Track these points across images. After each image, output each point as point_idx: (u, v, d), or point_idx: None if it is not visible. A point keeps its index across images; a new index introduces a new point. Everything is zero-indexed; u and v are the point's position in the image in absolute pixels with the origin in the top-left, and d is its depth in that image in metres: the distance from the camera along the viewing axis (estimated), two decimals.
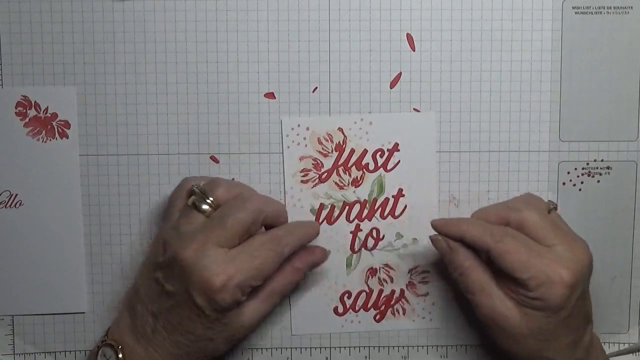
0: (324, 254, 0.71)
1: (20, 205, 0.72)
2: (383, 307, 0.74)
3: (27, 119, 0.71)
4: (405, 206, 0.73)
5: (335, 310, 0.74)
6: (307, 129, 0.72)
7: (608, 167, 0.73)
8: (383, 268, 0.73)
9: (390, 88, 0.72)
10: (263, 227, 0.68)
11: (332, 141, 0.72)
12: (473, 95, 0.72)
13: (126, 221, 0.73)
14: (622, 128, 0.72)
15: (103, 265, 0.73)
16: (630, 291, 0.74)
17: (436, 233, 0.68)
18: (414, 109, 0.72)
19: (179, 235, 0.65)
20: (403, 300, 0.74)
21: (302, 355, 0.74)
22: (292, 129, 0.72)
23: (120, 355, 0.66)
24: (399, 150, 0.72)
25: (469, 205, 0.73)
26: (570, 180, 0.73)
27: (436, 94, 0.72)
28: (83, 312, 0.74)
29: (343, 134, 0.72)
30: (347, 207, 0.73)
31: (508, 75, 0.72)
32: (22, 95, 0.71)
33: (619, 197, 0.73)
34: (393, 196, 0.73)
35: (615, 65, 0.72)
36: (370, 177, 0.73)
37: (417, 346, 0.75)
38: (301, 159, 0.72)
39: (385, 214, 0.73)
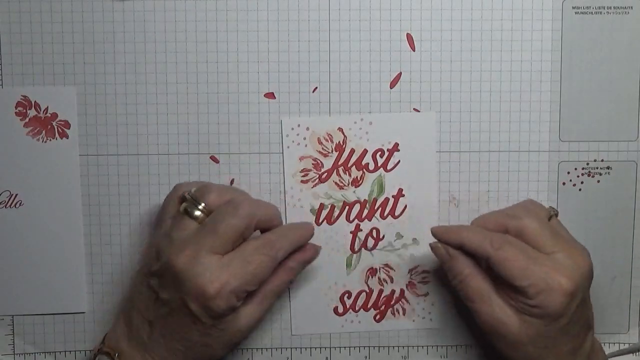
0: (316, 251, 0.70)
1: (20, 205, 0.72)
2: (383, 307, 0.74)
3: (27, 119, 0.71)
4: (405, 206, 0.73)
5: (335, 310, 0.74)
6: (307, 129, 0.72)
7: (608, 167, 0.73)
8: (383, 268, 0.73)
9: (390, 88, 0.72)
10: (259, 231, 0.67)
11: (332, 141, 0.72)
12: (473, 95, 0.72)
13: (126, 221, 0.73)
14: (622, 128, 0.72)
15: (103, 265, 0.73)
16: (630, 291, 0.74)
17: (436, 240, 0.68)
18: (414, 109, 0.72)
19: (171, 242, 0.65)
20: (403, 300, 0.74)
21: (302, 355, 0.74)
22: (292, 129, 0.72)
23: None
24: (399, 150, 0.72)
25: (469, 205, 0.73)
26: (570, 180, 0.73)
27: (436, 94, 0.72)
28: (83, 312, 0.74)
29: (343, 134, 0.72)
30: (347, 207, 0.73)
31: (508, 75, 0.72)
32: (22, 95, 0.71)
33: (619, 197, 0.73)
34: (393, 196, 0.73)
35: (615, 65, 0.72)
36: (370, 177, 0.73)
37: (417, 346, 0.75)
38: (301, 159, 0.72)
39: (385, 214, 0.73)
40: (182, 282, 0.63)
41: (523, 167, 0.72)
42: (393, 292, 0.74)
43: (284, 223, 0.72)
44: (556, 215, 0.70)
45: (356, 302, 0.74)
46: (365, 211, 0.73)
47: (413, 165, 0.72)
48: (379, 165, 0.72)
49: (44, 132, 0.71)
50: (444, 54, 0.72)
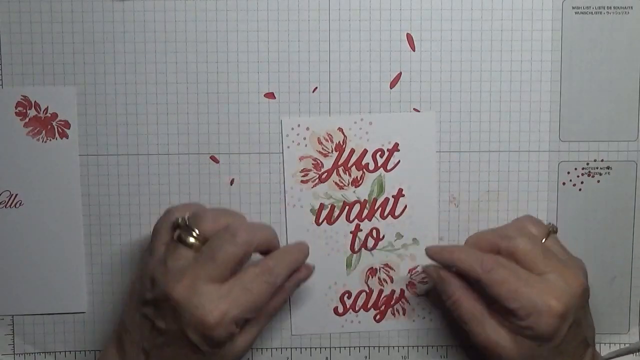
0: (310, 271, 0.70)
1: (20, 205, 0.72)
2: (383, 307, 0.74)
3: (27, 119, 0.71)
4: (405, 206, 0.73)
5: (335, 310, 0.74)
6: (307, 129, 0.72)
7: (608, 167, 0.73)
8: (383, 268, 0.73)
9: (390, 88, 0.72)
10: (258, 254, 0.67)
11: (332, 141, 0.72)
12: (473, 95, 0.72)
13: (126, 221, 0.73)
14: (622, 128, 0.72)
15: (103, 265, 0.73)
16: (630, 291, 0.74)
17: (432, 266, 0.69)
18: (414, 109, 0.72)
19: (167, 271, 0.63)
20: (403, 300, 0.74)
21: (302, 355, 0.74)
22: (292, 129, 0.72)
23: None
24: (399, 150, 0.72)
25: (469, 205, 0.73)
26: (570, 180, 0.73)
27: (436, 94, 0.72)
28: (83, 312, 0.74)
29: (343, 134, 0.72)
30: (347, 207, 0.73)
31: (508, 75, 0.72)
32: (22, 95, 0.71)
33: (619, 197, 0.73)
34: (393, 196, 0.73)
35: (615, 65, 0.72)
36: (370, 177, 0.73)
37: (417, 346, 0.75)
38: (301, 159, 0.72)
39: (385, 214, 0.73)
40: (180, 313, 0.62)
41: (523, 167, 0.72)
42: (393, 292, 0.74)
43: (285, 224, 0.72)
44: (555, 232, 0.69)
45: (356, 302, 0.74)
46: (365, 211, 0.73)
47: (413, 165, 0.72)
48: (379, 165, 0.72)
49: (44, 132, 0.71)
50: (444, 54, 0.72)
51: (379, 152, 0.72)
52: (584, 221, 0.73)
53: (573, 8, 0.71)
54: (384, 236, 0.73)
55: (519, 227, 0.69)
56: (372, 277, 0.74)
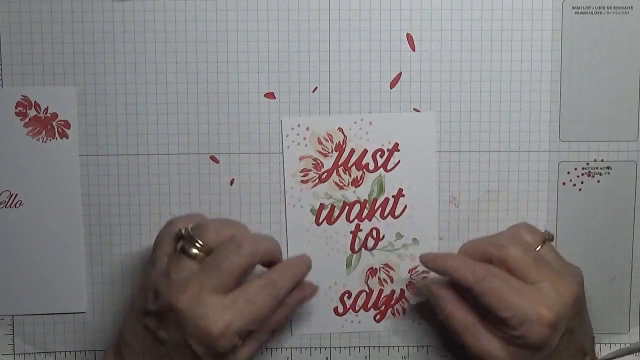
0: (314, 290, 0.70)
1: (20, 205, 0.72)
2: (383, 307, 0.74)
3: (27, 119, 0.71)
4: (405, 206, 0.73)
5: (335, 310, 0.74)
6: (307, 129, 0.72)
7: (608, 167, 0.73)
8: (383, 268, 0.73)
9: (390, 88, 0.72)
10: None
11: (332, 141, 0.72)
12: (473, 95, 0.72)
13: (126, 221, 0.73)
14: (622, 128, 0.72)
15: (103, 265, 0.73)
16: (631, 291, 0.74)
17: (423, 280, 0.70)
18: (414, 109, 0.72)
19: (170, 282, 0.63)
20: (403, 300, 0.74)
21: (302, 355, 0.74)
22: (292, 129, 0.72)
23: None
24: (399, 150, 0.72)
25: (469, 205, 0.73)
26: (570, 180, 0.73)
27: (436, 94, 0.72)
28: (83, 312, 0.74)
29: (343, 134, 0.72)
30: (347, 207, 0.73)
31: (508, 75, 0.72)
32: (22, 95, 0.71)
33: (619, 197, 0.73)
34: (393, 196, 0.73)
35: (615, 65, 0.72)
36: (370, 177, 0.73)
37: (417, 346, 0.75)
38: (301, 159, 0.72)
39: (385, 214, 0.73)
40: (185, 323, 0.62)
41: (523, 167, 0.72)
42: (393, 292, 0.74)
43: (285, 224, 0.73)
44: (551, 239, 0.69)
45: (356, 302, 0.74)
46: (365, 211, 0.73)
47: (413, 165, 0.72)
48: (379, 165, 0.72)
49: (44, 132, 0.71)
50: (444, 54, 0.72)
51: (379, 152, 0.72)
52: (584, 221, 0.73)
53: (573, 8, 0.71)
54: (384, 236, 0.73)
55: (513, 235, 0.69)
56: (372, 277, 0.74)
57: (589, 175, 0.73)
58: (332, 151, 0.72)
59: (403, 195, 0.73)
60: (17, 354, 0.74)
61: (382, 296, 0.74)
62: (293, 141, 0.72)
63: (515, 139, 0.72)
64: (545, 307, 0.63)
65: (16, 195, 0.72)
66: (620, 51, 0.72)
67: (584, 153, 0.73)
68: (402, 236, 0.73)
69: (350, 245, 0.73)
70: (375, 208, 0.73)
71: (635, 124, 0.72)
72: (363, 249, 0.73)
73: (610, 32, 0.71)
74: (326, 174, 0.72)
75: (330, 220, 0.73)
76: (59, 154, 0.72)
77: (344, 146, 0.72)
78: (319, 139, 0.72)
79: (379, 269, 0.73)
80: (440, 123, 0.72)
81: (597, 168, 0.73)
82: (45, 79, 0.71)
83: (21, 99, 0.71)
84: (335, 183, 0.72)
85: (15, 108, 0.71)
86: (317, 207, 0.73)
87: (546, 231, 0.70)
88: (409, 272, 0.74)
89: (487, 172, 0.73)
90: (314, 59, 0.71)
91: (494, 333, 0.65)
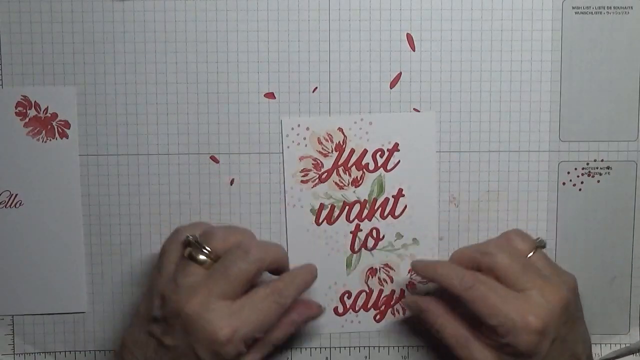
0: (320, 310, 0.71)
1: (20, 205, 0.72)
2: (383, 307, 0.74)
3: (27, 119, 0.71)
4: (405, 206, 0.73)
5: (335, 310, 0.74)
6: (307, 129, 0.72)
7: (608, 167, 0.73)
8: (383, 268, 0.73)
9: (390, 88, 0.72)
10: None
11: (332, 141, 0.72)
12: (473, 95, 0.72)
13: (126, 221, 0.73)
14: (622, 128, 0.72)
15: (103, 265, 0.73)
16: (631, 292, 0.74)
17: (410, 297, 0.71)
18: (414, 109, 0.72)
19: (178, 288, 0.63)
20: (403, 300, 0.74)
21: (302, 355, 0.74)
22: (292, 129, 0.72)
23: None
24: (399, 150, 0.72)
25: (469, 205, 0.73)
26: (570, 180, 0.73)
27: (436, 94, 0.72)
28: (83, 312, 0.74)
29: (343, 134, 0.72)
30: (347, 207, 0.73)
31: (508, 75, 0.72)
32: (22, 95, 0.71)
33: (619, 197, 0.73)
34: (393, 196, 0.73)
35: (615, 65, 0.72)
36: (370, 177, 0.73)
37: (417, 346, 0.74)
38: (301, 159, 0.72)
39: (385, 214, 0.73)
40: (192, 329, 0.62)
41: (523, 167, 0.72)
42: (393, 292, 0.74)
43: (285, 224, 0.73)
44: (543, 246, 0.69)
45: (356, 302, 0.74)
46: (365, 211, 0.73)
47: (413, 165, 0.72)
48: (379, 165, 0.72)
49: (44, 132, 0.71)
50: (444, 54, 0.72)
51: (379, 152, 0.72)
52: (584, 221, 0.73)
53: (573, 8, 0.71)
54: (384, 236, 0.73)
55: (503, 241, 0.69)
56: (372, 277, 0.74)
57: (589, 175, 0.73)
58: (332, 151, 0.72)
59: (403, 195, 0.73)
60: (17, 354, 0.74)
61: (382, 296, 0.74)
62: (293, 141, 0.72)
63: (515, 139, 0.72)
64: (532, 315, 0.63)
65: (16, 195, 0.72)
66: (620, 51, 0.72)
67: (584, 153, 0.73)
68: (402, 236, 0.73)
69: (350, 245, 0.73)
70: (375, 208, 0.73)
71: (635, 124, 0.72)
72: (363, 249, 0.73)
73: (610, 32, 0.71)
74: (326, 174, 0.72)
75: (330, 220, 0.73)
76: (59, 154, 0.72)
77: (344, 146, 0.72)
78: (319, 139, 0.72)
79: (379, 269, 0.73)
80: (440, 123, 0.72)
81: (597, 168, 0.73)
82: (45, 79, 0.71)
83: (21, 99, 0.71)
84: (335, 183, 0.72)
85: (15, 108, 0.71)
86: (317, 207, 0.73)
87: (538, 238, 0.70)
88: (409, 272, 0.74)
89: (487, 172, 0.73)
90: (314, 59, 0.71)
91: (485, 343, 0.66)
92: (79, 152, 0.72)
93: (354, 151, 0.72)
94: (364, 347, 0.74)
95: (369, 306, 0.74)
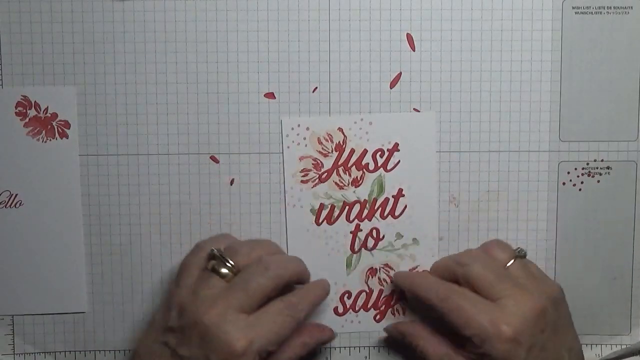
0: (332, 334, 0.72)
1: (20, 205, 0.72)
2: (383, 307, 0.74)
3: (27, 119, 0.71)
4: (405, 206, 0.73)
5: (335, 310, 0.74)
6: (307, 129, 0.72)
7: (608, 167, 0.73)
8: (383, 268, 0.73)
9: (390, 88, 0.72)
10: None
11: (332, 141, 0.72)
12: (473, 95, 0.72)
13: (126, 221, 0.73)
14: (622, 128, 0.72)
15: (103, 265, 0.73)
16: (632, 292, 0.74)
17: (390, 324, 0.72)
18: (414, 109, 0.72)
19: (197, 299, 0.65)
20: (403, 300, 0.74)
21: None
22: (292, 129, 0.72)
23: None
24: (399, 150, 0.72)
25: (469, 205, 0.73)
26: (570, 180, 0.73)
27: (436, 94, 0.72)
28: (83, 312, 0.74)
29: (343, 134, 0.72)
30: (347, 207, 0.73)
31: (508, 75, 0.72)
32: (22, 95, 0.71)
33: (619, 197, 0.73)
34: (393, 196, 0.73)
35: (615, 65, 0.72)
36: (370, 177, 0.72)
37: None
38: (301, 159, 0.72)
39: (385, 214, 0.73)
40: (209, 339, 0.63)
41: (523, 167, 0.72)
42: (393, 292, 0.74)
43: (285, 224, 0.73)
44: (523, 256, 0.70)
45: (356, 302, 0.74)
46: (365, 211, 0.73)
47: (413, 165, 0.72)
48: (379, 165, 0.72)
49: (44, 132, 0.71)
50: (444, 54, 0.72)
51: (379, 152, 0.72)
52: (584, 221, 0.73)
53: (573, 8, 0.71)
54: (384, 236, 0.73)
55: (480, 252, 0.70)
56: (372, 277, 0.73)
57: (589, 175, 0.73)
58: (332, 151, 0.72)
59: (403, 195, 0.73)
60: (17, 354, 0.74)
61: (382, 296, 0.74)
62: (293, 141, 0.72)
63: (515, 139, 0.72)
64: (505, 323, 0.64)
65: (16, 195, 0.72)
66: (620, 51, 0.71)
67: (584, 153, 0.72)
68: (402, 236, 0.73)
69: (350, 245, 0.73)
70: (375, 208, 0.73)
71: (635, 124, 0.72)
72: (363, 249, 0.73)
73: (610, 32, 0.71)
74: (326, 174, 0.72)
75: (330, 220, 0.73)
76: (59, 154, 0.72)
77: (344, 146, 0.72)
78: (319, 139, 0.72)
79: (379, 269, 0.73)
80: (440, 123, 0.72)
81: (597, 168, 0.73)
82: (45, 79, 0.71)
83: (21, 99, 0.71)
84: (335, 183, 0.72)
85: (15, 108, 0.71)
86: (317, 207, 0.73)
87: (518, 248, 0.70)
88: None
89: (487, 172, 0.73)
90: (314, 59, 0.71)
91: (466, 357, 0.66)
92: (79, 152, 0.72)
93: (354, 151, 0.72)
94: (364, 347, 0.74)
95: (369, 306, 0.74)
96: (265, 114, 0.72)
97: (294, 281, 0.69)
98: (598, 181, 0.73)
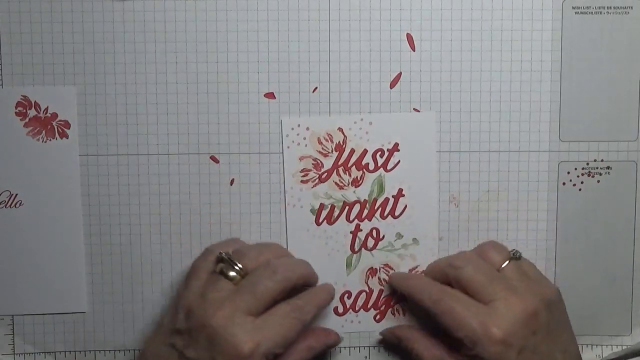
0: (338, 338, 0.73)
1: (20, 205, 0.72)
2: (383, 307, 0.74)
3: (27, 119, 0.71)
4: (405, 206, 0.73)
5: (335, 310, 0.74)
6: (307, 129, 0.72)
7: (608, 167, 0.73)
8: (383, 268, 0.73)
9: (390, 88, 0.72)
10: None
11: (332, 141, 0.72)
12: (473, 95, 0.72)
13: (126, 221, 0.73)
14: (622, 128, 0.72)
15: (103, 265, 0.73)
16: (632, 292, 0.74)
17: (386, 329, 0.73)
18: (414, 109, 0.72)
19: (205, 301, 0.65)
20: (403, 300, 0.74)
21: None
22: (292, 129, 0.72)
23: None
24: (399, 150, 0.72)
25: (469, 205, 0.73)
26: (570, 180, 0.73)
27: (436, 94, 0.72)
28: (83, 312, 0.74)
29: (343, 134, 0.72)
30: (347, 207, 0.73)
31: (508, 75, 0.72)
32: (22, 95, 0.71)
33: (619, 197, 0.73)
34: (393, 196, 0.73)
35: (615, 65, 0.72)
36: (370, 177, 0.72)
37: None
38: (301, 159, 0.72)
39: (385, 214, 0.73)
40: (216, 341, 0.63)
41: (523, 167, 0.72)
42: (393, 292, 0.74)
43: (285, 224, 0.73)
44: (518, 257, 0.70)
45: (356, 302, 0.74)
46: (365, 211, 0.73)
47: (413, 165, 0.72)
48: (379, 165, 0.72)
49: (44, 132, 0.71)
50: (444, 54, 0.72)
51: (379, 152, 0.72)
52: (584, 221, 0.73)
53: (573, 8, 0.71)
54: (384, 236, 0.73)
55: (473, 254, 0.70)
56: (372, 277, 0.73)
57: (589, 175, 0.73)
58: (332, 151, 0.72)
59: (403, 195, 0.73)
60: (17, 354, 0.74)
61: (382, 296, 0.74)
62: (293, 141, 0.72)
63: (515, 139, 0.72)
64: (495, 326, 0.64)
65: (16, 195, 0.72)
66: (620, 51, 0.71)
67: (584, 153, 0.72)
68: (402, 236, 0.73)
69: (350, 245, 0.73)
70: (375, 208, 0.73)
71: (635, 124, 0.72)
72: (363, 249, 0.73)
73: (610, 32, 0.71)
74: (326, 174, 0.72)
75: (330, 220, 0.73)
76: (59, 154, 0.72)
77: (344, 146, 0.72)
78: (319, 139, 0.72)
79: (379, 269, 0.73)
80: (440, 123, 0.72)
81: (597, 168, 0.73)
82: (45, 79, 0.71)
83: (21, 99, 0.71)
84: (335, 183, 0.72)
85: (15, 108, 0.71)
86: (317, 207, 0.73)
87: (513, 250, 0.70)
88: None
89: (487, 172, 0.73)
90: (314, 59, 0.71)
91: (459, 359, 0.67)
92: (79, 152, 0.72)
93: (354, 151, 0.72)
94: (364, 347, 0.74)
95: (369, 306, 0.74)
96: (265, 114, 0.72)
97: (301, 284, 0.69)
98: (598, 181, 0.73)
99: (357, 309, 0.74)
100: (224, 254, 0.68)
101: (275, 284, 0.66)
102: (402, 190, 0.72)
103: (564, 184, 0.73)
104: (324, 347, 0.71)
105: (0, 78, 0.71)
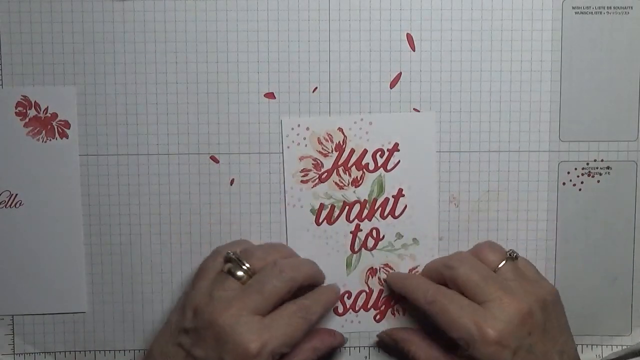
0: (343, 339, 0.73)
1: (20, 205, 0.72)
2: (383, 307, 0.74)
3: (27, 119, 0.71)
4: (405, 206, 0.73)
5: (335, 310, 0.74)
6: (307, 129, 0.72)
7: (608, 167, 0.73)
8: (383, 268, 0.73)
9: (390, 88, 0.72)
10: None
11: (332, 141, 0.72)
12: (473, 95, 0.72)
13: (126, 221, 0.73)
14: (622, 128, 0.72)
15: (103, 265, 0.73)
16: (632, 292, 0.74)
17: (382, 330, 0.73)
18: (414, 109, 0.72)
19: (212, 300, 0.65)
20: (403, 300, 0.74)
21: None
22: (292, 129, 0.72)
23: None
24: (399, 150, 0.72)
25: (469, 205, 0.73)
26: (570, 180, 0.73)
27: (436, 94, 0.72)
28: (83, 312, 0.74)
29: (343, 134, 0.72)
30: (347, 207, 0.73)
31: (508, 75, 0.72)
32: (22, 95, 0.71)
33: (619, 197, 0.73)
34: (393, 196, 0.73)
35: (615, 65, 0.72)
36: (370, 177, 0.72)
37: None
38: (301, 159, 0.72)
39: (385, 214, 0.73)
40: (223, 340, 0.64)
41: (523, 167, 0.72)
42: (393, 292, 0.74)
43: (285, 224, 0.73)
44: (514, 258, 0.69)
45: (356, 302, 0.74)
46: (365, 211, 0.73)
47: (413, 165, 0.72)
48: (379, 165, 0.72)
49: (44, 132, 0.71)
50: (444, 54, 0.72)
51: (379, 152, 0.72)
52: (584, 221, 0.73)
53: (573, 8, 0.71)
54: (384, 236, 0.73)
55: (468, 254, 0.70)
56: (372, 277, 0.73)
57: (589, 175, 0.73)
58: (332, 151, 0.72)
59: (403, 195, 0.73)
60: (17, 354, 0.74)
61: (382, 296, 0.74)
62: (293, 141, 0.72)
63: (515, 139, 0.72)
64: (489, 326, 0.64)
65: (16, 195, 0.72)
66: (620, 51, 0.71)
67: (584, 153, 0.72)
68: (402, 236, 0.73)
69: (350, 245, 0.73)
70: (375, 208, 0.73)
71: (635, 124, 0.72)
72: (363, 249, 0.73)
73: (610, 32, 0.71)
74: (326, 174, 0.72)
75: (330, 220, 0.73)
76: (59, 154, 0.72)
77: (344, 146, 0.72)
78: (319, 139, 0.72)
79: (379, 269, 0.73)
80: (440, 123, 0.72)
81: (597, 168, 0.73)
82: (45, 79, 0.71)
83: (21, 99, 0.71)
84: (335, 183, 0.72)
85: (15, 108, 0.71)
86: (317, 207, 0.73)
87: (510, 250, 0.70)
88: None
89: (487, 172, 0.73)
90: (314, 59, 0.71)
91: None
92: (79, 152, 0.72)
93: (354, 151, 0.72)
94: (364, 347, 0.74)
95: (369, 306, 0.74)
96: (265, 114, 0.72)
97: (307, 284, 0.69)
98: (598, 181, 0.73)
99: (357, 309, 0.74)
100: (231, 253, 0.68)
101: (283, 284, 0.66)
102: (402, 190, 0.72)
103: (564, 184, 0.73)
104: (329, 348, 0.71)
105: (0, 78, 0.71)
